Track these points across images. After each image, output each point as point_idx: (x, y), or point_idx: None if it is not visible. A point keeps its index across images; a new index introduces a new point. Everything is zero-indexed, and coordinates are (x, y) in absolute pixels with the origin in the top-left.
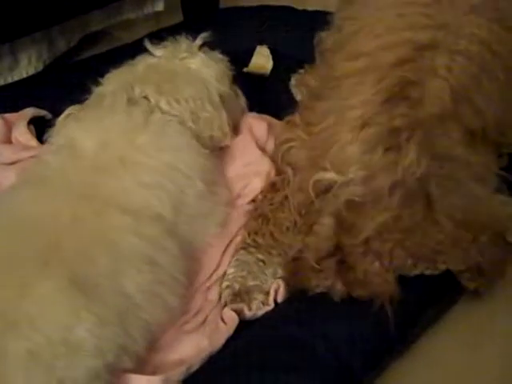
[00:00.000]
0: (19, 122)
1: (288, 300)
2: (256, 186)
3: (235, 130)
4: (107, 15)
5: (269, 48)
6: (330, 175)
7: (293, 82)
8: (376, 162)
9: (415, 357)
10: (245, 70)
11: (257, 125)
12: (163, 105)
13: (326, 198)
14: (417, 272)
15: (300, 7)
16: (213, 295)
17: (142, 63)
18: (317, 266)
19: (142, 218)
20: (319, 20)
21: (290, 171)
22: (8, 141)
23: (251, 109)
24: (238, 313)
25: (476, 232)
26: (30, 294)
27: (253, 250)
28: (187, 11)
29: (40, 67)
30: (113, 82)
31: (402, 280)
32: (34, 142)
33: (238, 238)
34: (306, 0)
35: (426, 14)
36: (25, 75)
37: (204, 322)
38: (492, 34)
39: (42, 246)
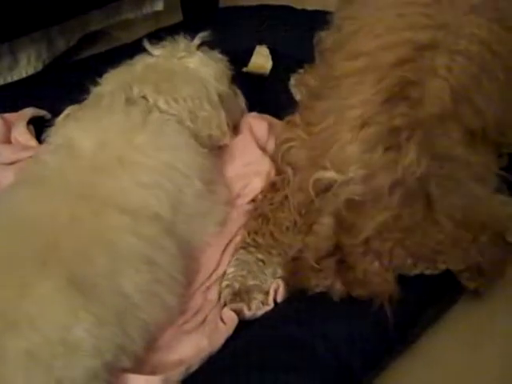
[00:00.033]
0: (19, 122)
1: (288, 300)
2: (256, 185)
3: (235, 129)
4: (106, 15)
5: (268, 48)
6: (330, 174)
7: (292, 81)
8: (376, 161)
9: (415, 357)
10: (244, 69)
11: (257, 124)
12: (161, 104)
13: (326, 198)
14: (417, 272)
15: (299, 7)
16: (212, 295)
17: (140, 63)
18: (316, 266)
19: (140, 217)
20: (319, 19)
21: (290, 171)
22: (7, 141)
23: (251, 109)
24: (238, 313)
25: (476, 232)
26: (29, 293)
27: (253, 249)
28: (187, 11)
29: (39, 67)
30: (111, 82)
31: (402, 280)
32: (33, 142)
33: (238, 238)
34: None
35: (426, 14)
36: (24, 75)
37: (203, 321)
38: (492, 33)
39: (40, 245)
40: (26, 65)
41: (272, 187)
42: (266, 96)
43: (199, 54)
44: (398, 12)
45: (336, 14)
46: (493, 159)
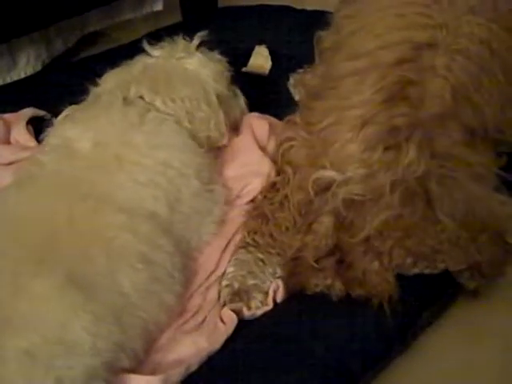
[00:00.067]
0: (18, 123)
1: (287, 300)
2: (256, 186)
3: (236, 130)
4: (106, 15)
5: (268, 48)
6: (330, 173)
7: (291, 81)
8: (376, 160)
9: (415, 357)
10: (243, 69)
11: (258, 125)
12: (158, 104)
13: (326, 197)
14: (416, 271)
15: (299, 7)
16: (212, 295)
17: (138, 63)
18: (316, 265)
19: (137, 216)
20: (318, 19)
21: (290, 170)
22: (7, 141)
23: (251, 109)
24: (237, 313)
25: (475, 231)
26: (27, 292)
27: (252, 249)
28: (186, 11)
29: (38, 67)
30: (110, 82)
31: (402, 280)
32: (32, 142)
33: (238, 238)
34: None
35: (426, 14)
36: (23, 75)
37: (203, 321)
38: (491, 33)
39: (38, 244)
40: (25, 65)
41: (272, 187)
42: (266, 96)
43: (198, 54)
44: (397, 12)
45: (336, 14)
46: (492, 159)
